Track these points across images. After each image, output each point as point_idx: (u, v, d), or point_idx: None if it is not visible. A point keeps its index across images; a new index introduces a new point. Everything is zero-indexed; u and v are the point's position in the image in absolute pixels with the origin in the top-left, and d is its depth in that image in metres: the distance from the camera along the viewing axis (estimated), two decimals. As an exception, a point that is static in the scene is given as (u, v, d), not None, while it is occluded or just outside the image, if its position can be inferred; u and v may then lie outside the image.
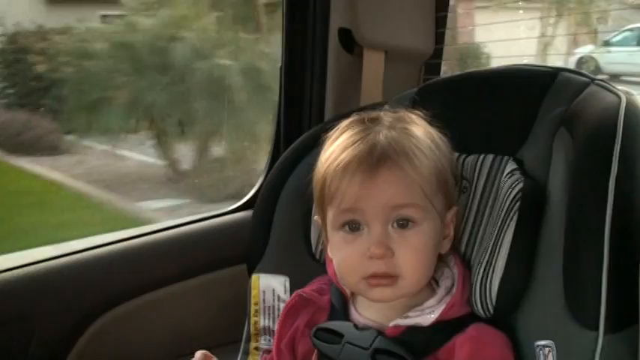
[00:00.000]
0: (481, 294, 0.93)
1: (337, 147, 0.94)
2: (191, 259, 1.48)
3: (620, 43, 4.88)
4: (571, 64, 4.11)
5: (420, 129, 0.96)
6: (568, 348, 0.84)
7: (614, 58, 4.73)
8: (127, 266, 1.44)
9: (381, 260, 0.90)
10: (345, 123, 0.98)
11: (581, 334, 0.82)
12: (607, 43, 4.78)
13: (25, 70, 4.35)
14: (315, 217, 1.04)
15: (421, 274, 0.93)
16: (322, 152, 0.98)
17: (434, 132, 0.97)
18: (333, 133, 0.98)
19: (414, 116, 0.98)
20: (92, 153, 4.57)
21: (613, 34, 4.89)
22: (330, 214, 0.95)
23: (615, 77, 4.20)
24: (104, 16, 4.52)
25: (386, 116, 0.97)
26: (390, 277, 0.91)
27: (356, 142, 0.92)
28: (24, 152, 4.38)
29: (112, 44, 4.12)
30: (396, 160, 0.90)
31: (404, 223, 0.91)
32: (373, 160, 0.90)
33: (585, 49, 4.78)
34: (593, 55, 4.73)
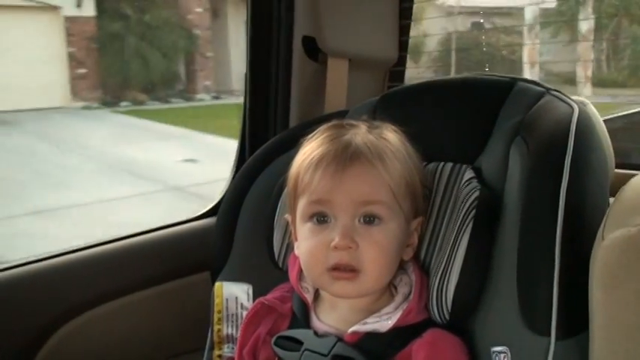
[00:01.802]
0: (437, 300, 0.95)
1: (314, 144, 0.98)
2: (154, 266, 1.48)
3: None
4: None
5: (395, 137, 0.99)
6: (522, 354, 0.86)
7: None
8: (89, 275, 1.42)
9: (345, 251, 0.92)
10: (324, 126, 1.01)
11: (534, 340, 0.84)
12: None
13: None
14: (286, 216, 1.06)
15: (382, 272, 0.95)
16: (300, 150, 1.00)
17: (407, 143, 1.00)
18: (312, 135, 1.00)
19: (390, 127, 1.01)
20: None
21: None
22: (300, 206, 0.97)
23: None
24: None
25: (364, 124, 1.00)
26: (351, 272, 0.92)
27: (332, 140, 0.96)
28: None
29: None
30: (369, 159, 0.93)
31: (370, 219, 0.93)
32: (347, 155, 0.93)
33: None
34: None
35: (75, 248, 1.45)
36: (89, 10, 8.75)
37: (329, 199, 0.93)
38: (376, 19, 1.56)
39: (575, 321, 0.81)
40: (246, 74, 1.59)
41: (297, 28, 1.50)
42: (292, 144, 1.15)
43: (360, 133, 0.97)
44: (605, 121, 1.01)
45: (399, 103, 1.18)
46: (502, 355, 0.88)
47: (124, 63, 8.26)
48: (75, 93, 9.01)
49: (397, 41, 1.58)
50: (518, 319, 0.86)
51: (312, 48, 1.51)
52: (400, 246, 0.96)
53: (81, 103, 8.86)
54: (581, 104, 0.98)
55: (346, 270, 0.92)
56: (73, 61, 8.98)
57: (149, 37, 8.27)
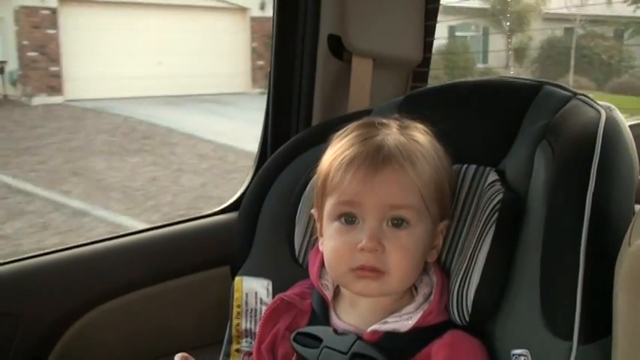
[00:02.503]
0: (458, 301, 0.95)
1: (345, 142, 0.97)
2: (176, 259, 1.49)
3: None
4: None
5: (425, 139, 0.99)
6: (543, 357, 0.86)
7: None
8: (112, 266, 1.44)
9: (371, 254, 0.92)
10: (354, 124, 1.01)
11: (556, 344, 0.83)
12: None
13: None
14: (312, 211, 1.06)
15: (406, 275, 0.95)
16: (330, 147, 1.00)
17: (437, 145, 1.00)
18: (342, 133, 1.00)
19: (421, 127, 1.01)
20: None
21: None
22: (328, 205, 0.97)
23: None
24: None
25: (395, 122, 1.00)
26: (376, 272, 0.93)
27: (364, 140, 0.95)
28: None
29: None
30: (401, 162, 0.92)
31: (398, 223, 0.93)
32: (379, 158, 0.92)
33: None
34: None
35: (97, 239, 1.46)
36: (269, 11, 11.06)
37: (359, 201, 0.93)
38: (402, 19, 1.56)
39: (598, 326, 0.81)
40: (270, 71, 1.59)
41: (323, 26, 1.51)
42: (315, 142, 1.15)
43: (392, 134, 0.96)
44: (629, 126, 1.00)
45: (423, 103, 1.18)
46: (522, 358, 0.88)
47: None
48: (254, 81, 11.52)
49: (422, 42, 1.58)
50: (539, 322, 0.86)
51: (337, 46, 1.52)
52: (425, 249, 0.97)
53: (258, 90, 11.04)
54: (607, 109, 0.98)
55: (371, 270, 0.93)
56: (255, 54, 11.53)
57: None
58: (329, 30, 1.51)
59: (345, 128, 1.01)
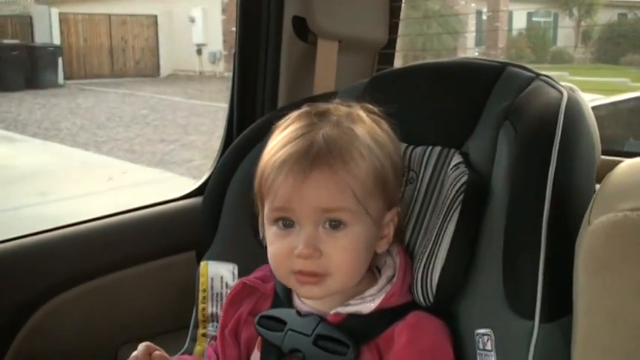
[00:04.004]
0: (422, 283, 0.95)
1: (279, 141, 0.94)
2: (141, 245, 1.47)
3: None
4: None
5: (364, 127, 0.95)
6: (505, 336, 0.86)
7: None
8: (76, 252, 1.42)
9: (309, 260, 0.90)
10: (294, 114, 0.97)
11: (518, 323, 0.84)
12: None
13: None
14: (256, 211, 1.04)
15: (350, 274, 0.93)
16: (269, 142, 0.97)
17: (380, 130, 0.96)
18: (282, 123, 0.97)
19: (363, 113, 0.97)
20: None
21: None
22: (266, 209, 0.95)
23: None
24: None
25: (335, 111, 0.96)
26: (316, 276, 0.91)
27: (296, 139, 0.91)
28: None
29: None
30: (331, 163, 0.89)
31: (335, 225, 0.91)
32: (308, 160, 0.89)
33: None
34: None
35: (60, 225, 1.44)
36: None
37: (291, 207, 0.91)
38: (367, 1, 1.55)
39: (559, 305, 0.82)
40: (234, 52, 1.57)
41: (287, 7, 1.49)
42: None
43: (325, 129, 0.92)
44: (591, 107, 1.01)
45: (389, 85, 1.17)
46: (485, 338, 0.89)
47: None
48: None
49: (387, 23, 1.57)
50: (502, 302, 0.86)
51: (302, 28, 1.50)
52: (369, 245, 0.94)
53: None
54: (569, 90, 0.98)
55: (311, 275, 0.91)
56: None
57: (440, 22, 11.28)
58: (293, 11, 1.49)
59: (285, 118, 0.98)
